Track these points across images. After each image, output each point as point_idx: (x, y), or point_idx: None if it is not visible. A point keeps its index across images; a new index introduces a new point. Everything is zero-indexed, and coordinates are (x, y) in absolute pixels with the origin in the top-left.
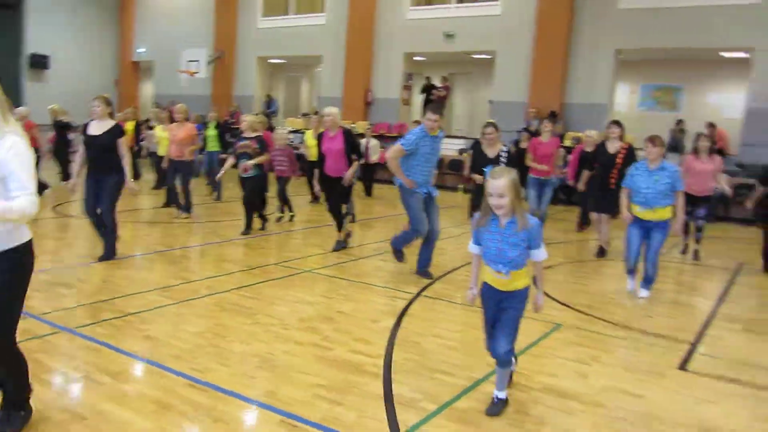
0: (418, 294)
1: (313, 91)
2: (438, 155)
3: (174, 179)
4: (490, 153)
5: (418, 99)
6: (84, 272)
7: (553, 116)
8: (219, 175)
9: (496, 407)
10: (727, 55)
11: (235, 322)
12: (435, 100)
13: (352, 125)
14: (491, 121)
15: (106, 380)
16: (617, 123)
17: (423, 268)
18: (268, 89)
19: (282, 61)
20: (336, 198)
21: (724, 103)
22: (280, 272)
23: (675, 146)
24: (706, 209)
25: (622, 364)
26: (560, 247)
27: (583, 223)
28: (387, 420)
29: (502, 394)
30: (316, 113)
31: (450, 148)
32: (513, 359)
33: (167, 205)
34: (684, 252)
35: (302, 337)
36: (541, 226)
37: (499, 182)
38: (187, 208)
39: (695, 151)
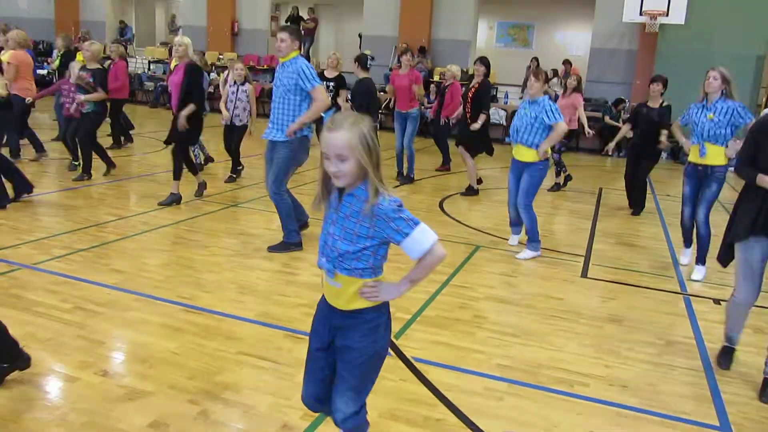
0: None
1: (169, 19)
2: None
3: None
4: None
5: None
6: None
7: (422, 51)
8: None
9: None
10: None
11: (193, 254)
12: (304, 32)
13: (219, 56)
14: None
15: (101, 310)
16: (481, 60)
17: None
18: (120, 15)
19: None
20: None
21: (571, 41)
22: (206, 207)
23: None
24: (567, 141)
25: (538, 275)
26: (448, 177)
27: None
28: None
29: None
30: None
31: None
32: (364, 422)
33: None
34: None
35: (264, 264)
36: (401, 206)
37: (337, 135)
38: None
39: (566, 89)
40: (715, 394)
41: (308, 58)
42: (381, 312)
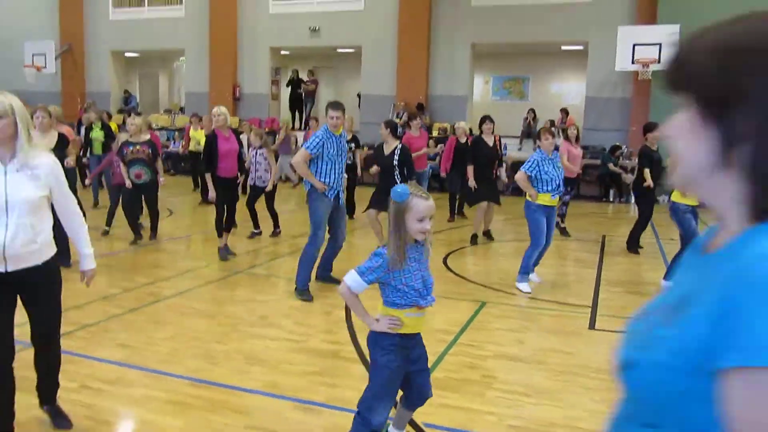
0: None
1: (173, 86)
2: (345, 155)
3: None
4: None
5: (285, 93)
6: None
7: (420, 108)
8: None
9: None
10: (566, 48)
11: (200, 324)
12: (305, 94)
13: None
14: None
15: (106, 387)
16: (490, 118)
17: (325, 273)
18: (124, 84)
19: (136, 55)
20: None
21: (566, 92)
22: (215, 275)
23: (529, 133)
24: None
25: (546, 330)
26: (453, 232)
27: (457, 212)
28: None
29: None
30: (181, 109)
31: None
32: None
33: None
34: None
35: (271, 332)
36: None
37: (431, 203)
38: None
39: (568, 138)
40: None
41: (307, 120)
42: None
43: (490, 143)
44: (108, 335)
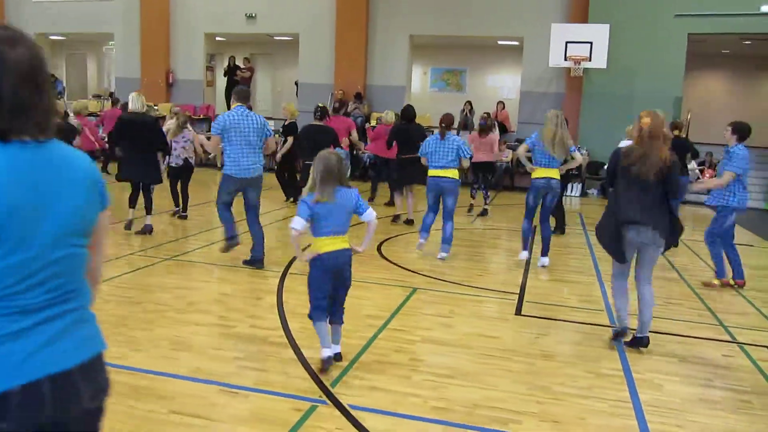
0: (284, 272)
1: (101, 71)
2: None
3: None
4: None
5: (221, 80)
6: None
7: (358, 97)
8: None
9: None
10: (502, 42)
11: (125, 311)
12: (241, 81)
13: (155, 107)
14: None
15: None
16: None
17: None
18: (51, 68)
19: (62, 38)
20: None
21: (502, 85)
22: (143, 261)
23: (465, 125)
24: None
25: (474, 315)
26: (388, 219)
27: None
28: (311, 378)
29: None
30: (111, 95)
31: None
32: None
33: None
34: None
35: (200, 318)
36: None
37: None
38: None
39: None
40: (642, 424)
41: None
42: None
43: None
44: None
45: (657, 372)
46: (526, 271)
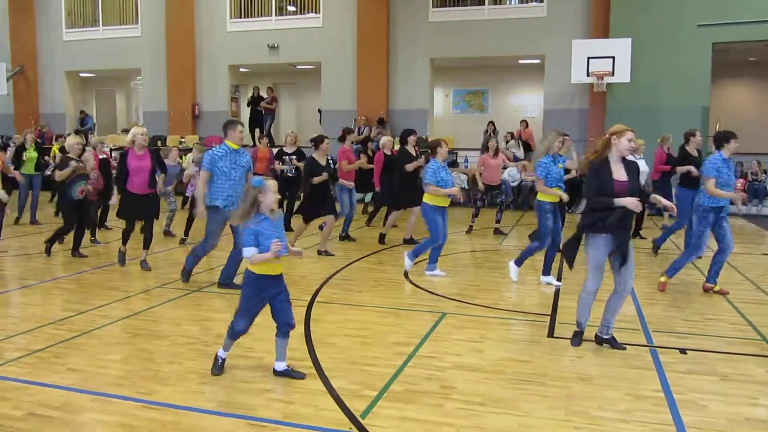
0: (312, 301)
1: (130, 105)
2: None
3: None
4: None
5: (245, 111)
6: None
7: (381, 122)
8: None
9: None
10: (523, 61)
11: (153, 345)
12: (265, 111)
13: (181, 140)
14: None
15: (55, 414)
16: (414, 132)
17: (227, 279)
18: (80, 105)
19: (92, 75)
20: None
21: (525, 104)
22: (171, 294)
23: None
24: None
25: (504, 339)
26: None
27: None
28: (340, 409)
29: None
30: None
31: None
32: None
33: None
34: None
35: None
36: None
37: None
38: None
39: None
40: None
41: (270, 136)
42: None
43: (414, 154)
44: (58, 361)
45: (699, 392)
46: (557, 291)
